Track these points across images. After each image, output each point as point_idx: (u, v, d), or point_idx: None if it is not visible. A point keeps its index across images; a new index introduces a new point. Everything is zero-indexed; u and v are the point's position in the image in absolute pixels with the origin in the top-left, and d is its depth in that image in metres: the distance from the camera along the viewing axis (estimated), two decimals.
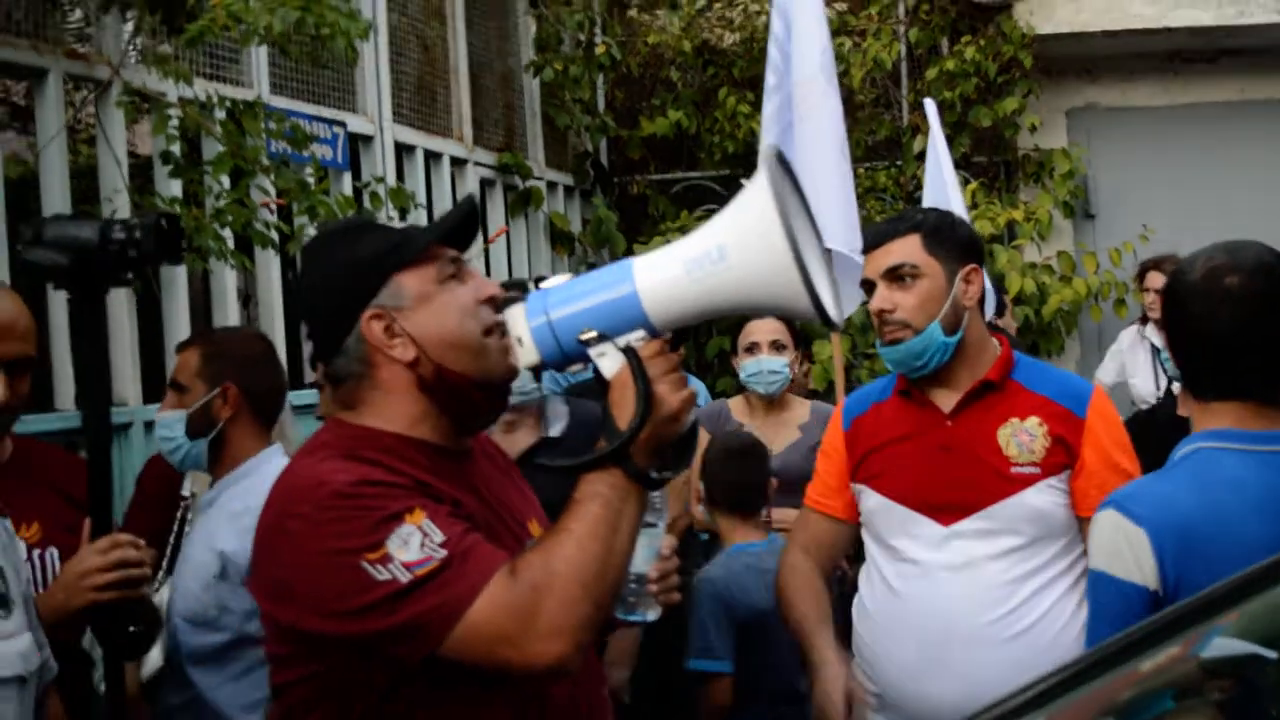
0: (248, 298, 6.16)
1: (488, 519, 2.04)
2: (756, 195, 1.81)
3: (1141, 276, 6.42)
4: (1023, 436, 2.84)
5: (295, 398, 4.25)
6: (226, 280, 5.27)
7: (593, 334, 1.90)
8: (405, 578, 1.82)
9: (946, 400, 2.91)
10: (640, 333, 1.90)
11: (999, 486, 2.81)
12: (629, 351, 1.89)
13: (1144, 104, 8.62)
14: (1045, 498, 2.82)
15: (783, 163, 1.90)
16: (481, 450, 2.21)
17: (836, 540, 3.10)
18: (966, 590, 2.80)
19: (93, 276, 2.62)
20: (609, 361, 1.91)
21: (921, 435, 2.91)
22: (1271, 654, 1.61)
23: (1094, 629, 2.30)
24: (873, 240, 2.95)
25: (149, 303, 5.08)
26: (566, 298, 1.94)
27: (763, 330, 4.65)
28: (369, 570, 1.83)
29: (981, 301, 2.99)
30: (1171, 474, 2.32)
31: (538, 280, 2.00)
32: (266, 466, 3.01)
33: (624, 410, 1.89)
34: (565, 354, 1.93)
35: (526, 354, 1.95)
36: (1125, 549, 2.23)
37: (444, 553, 1.84)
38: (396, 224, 2.19)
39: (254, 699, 2.94)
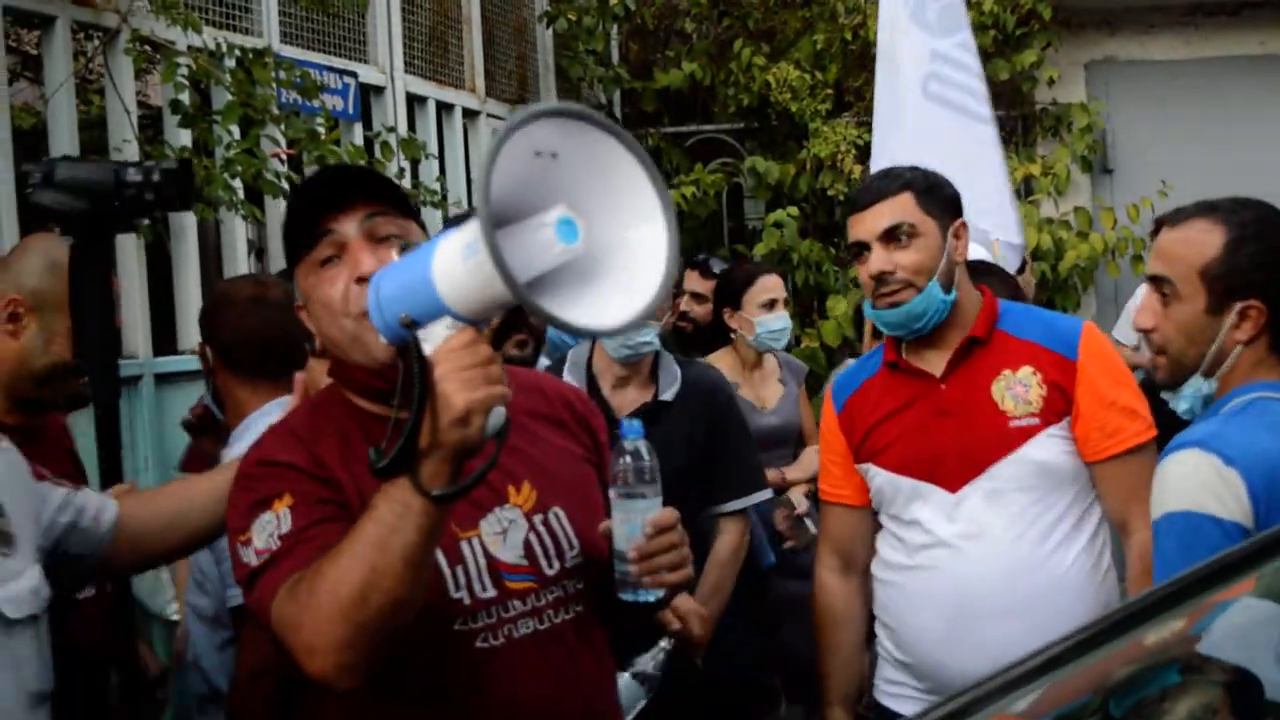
0: (260, 249, 6.14)
1: None
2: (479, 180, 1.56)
3: (1156, 233, 6.33)
4: (1017, 389, 2.80)
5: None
6: (236, 231, 5.24)
7: (409, 319, 1.70)
8: (254, 562, 1.90)
9: (936, 363, 2.87)
10: (448, 320, 1.68)
11: (1000, 443, 2.78)
12: (413, 344, 1.70)
13: (1164, 57, 8.51)
14: (1048, 449, 2.78)
15: (577, 116, 1.63)
16: None
17: (861, 529, 3.06)
18: (983, 560, 2.77)
19: (105, 221, 2.58)
20: (427, 350, 1.70)
21: (916, 404, 2.87)
22: None
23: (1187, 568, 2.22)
24: (864, 201, 2.89)
25: (158, 254, 5.06)
26: (392, 278, 1.75)
27: (776, 286, 4.64)
28: (240, 550, 1.94)
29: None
30: (1241, 420, 2.29)
31: (402, 248, 1.83)
32: (258, 424, 2.89)
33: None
34: (399, 337, 1.74)
35: (380, 335, 1.79)
36: (1220, 488, 2.19)
37: (278, 545, 1.88)
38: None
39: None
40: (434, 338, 1.69)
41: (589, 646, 2.11)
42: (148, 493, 2.54)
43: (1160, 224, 2.49)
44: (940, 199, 2.87)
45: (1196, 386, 2.40)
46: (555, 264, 1.62)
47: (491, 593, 1.98)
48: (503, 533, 2.01)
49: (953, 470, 2.81)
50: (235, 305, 3.04)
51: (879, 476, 2.91)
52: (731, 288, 4.67)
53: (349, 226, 1.98)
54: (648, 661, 2.74)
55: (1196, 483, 2.22)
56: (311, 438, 2.01)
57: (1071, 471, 2.80)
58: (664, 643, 2.76)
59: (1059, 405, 2.79)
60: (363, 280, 1.91)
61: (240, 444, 2.97)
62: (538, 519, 2.06)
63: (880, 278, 2.82)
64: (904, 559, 2.89)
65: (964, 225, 2.89)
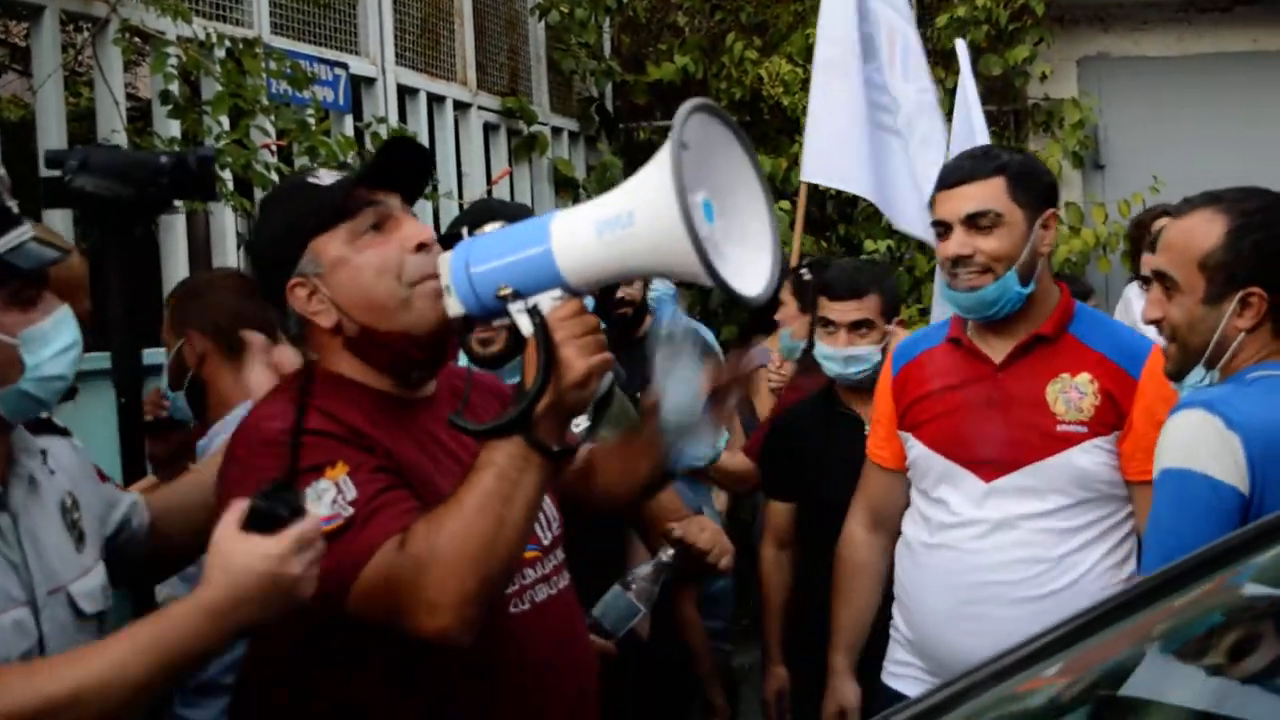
0: (250, 241, 6.12)
1: (427, 470, 2.00)
2: (660, 159, 1.72)
3: (1142, 232, 6.29)
4: (1072, 394, 2.78)
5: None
6: (226, 222, 5.22)
7: (509, 290, 1.83)
8: None
9: (998, 350, 2.85)
10: (556, 292, 1.82)
11: (1043, 444, 2.77)
12: (534, 312, 1.81)
13: (1156, 54, 8.52)
14: (1091, 458, 2.76)
15: (711, 112, 1.81)
16: (451, 389, 2.18)
17: (895, 492, 3.07)
18: (1003, 547, 2.78)
19: (138, 208, 2.57)
20: (525, 320, 1.84)
21: (968, 386, 2.87)
22: None
23: (1179, 527, 2.23)
24: (953, 179, 2.85)
25: (147, 245, 5.03)
26: (487, 251, 1.87)
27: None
28: None
29: None
30: (1248, 390, 2.30)
31: (471, 227, 1.95)
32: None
33: (532, 373, 1.82)
34: (485, 308, 1.87)
35: (452, 304, 1.90)
36: (1220, 449, 2.21)
37: (351, 512, 1.85)
38: (330, 177, 2.12)
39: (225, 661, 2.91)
40: (540, 308, 1.82)
41: (576, 605, 2.25)
42: (166, 492, 2.48)
43: (1155, 215, 2.53)
44: (1033, 188, 2.82)
45: (1199, 376, 2.42)
46: (703, 238, 1.73)
47: (524, 552, 2.03)
48: None
49: (990, 460, 2.81)
50: (226, 289, 3.03)
51: (915, 448, 2.94)
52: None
53: (391, 201, 2.04)
54: (641, 571, 2.74)
55: (1197, 441, 2.24)
56: (334, 410, 1.97)
57: (1108, 484, 2.79)
58: (663, 555, 2.75)
59: (1110, 418, 2.77)
60: (422, 248, 1.98)
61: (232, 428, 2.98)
62: None
63: (958, 260, 2.79)
64: (925, 537, 2.91)
65: (1054, 216, 2.85)
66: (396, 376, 2.06)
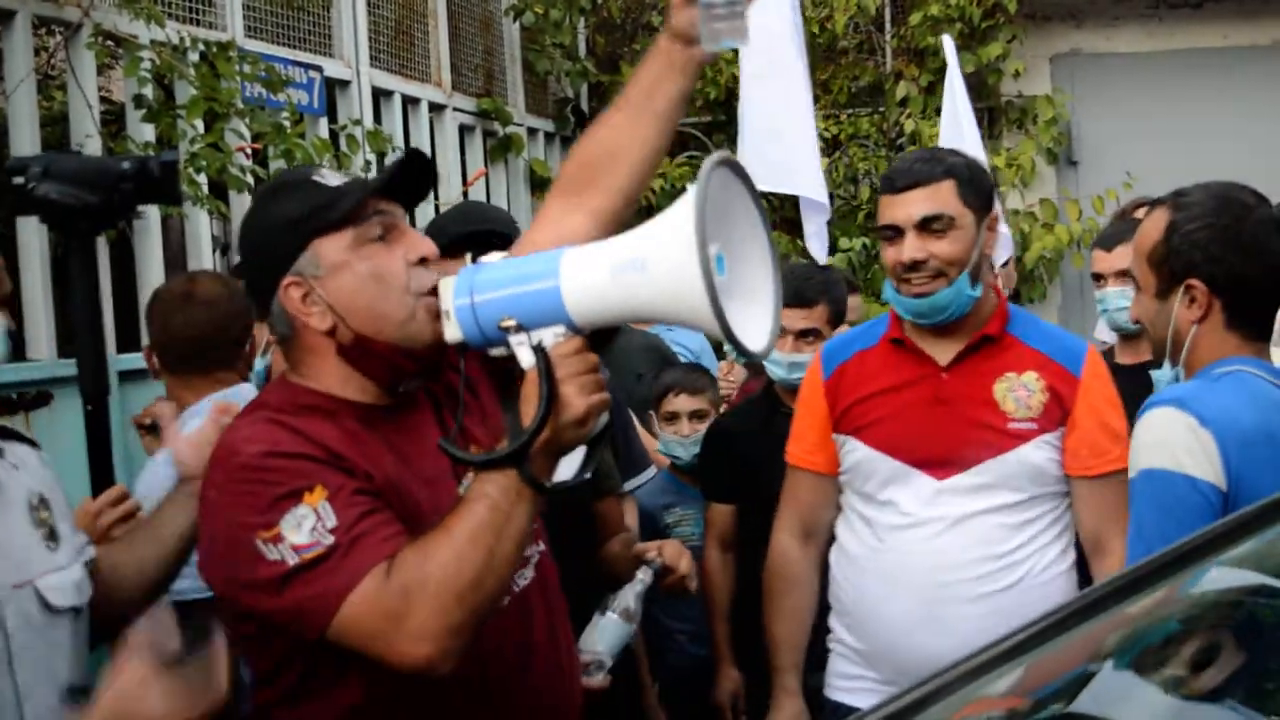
0: (225, 245, 6.10)
1: (405, 482, 1.98)
2: (682, 217, 1.72)
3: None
4: (1020, 392, 2.80)
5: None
6: (201, 226, 5.21)
7: (512, 323, 1.84)
8: (292, 560, 1.83)
9: (943, 352, 2.85)
10: (560, 328, 1.83)
11: (996, 442, 2.78)
12: (539, 350, 1.82)
13: (1128, 50, 8.56)
14: (1041, 454, 2.79)
15: (733, 168, 1.82)
16: (442, 392, 2.16)
17: (826, 500, 3.02)
18: (961, 545, 2.77)
19: (102, 214, 2.55)
20: (525, 354, 1.84)
21: (914, 386, 2.85)
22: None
23: (1166, 529, 2.21)
24: (902, 183, 2.80)
25: (122, 249, 5.02)
26: (493, 281, 1.87)
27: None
28: (261, 548, 1.85)
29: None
30: (1216, 386, 2.33)
31: (474, 255, 1.95)
32: (189, 423, 2.89)
33: (530, 408, 1.82)
34: (486, 337, 1.87)
35: (450, 330, 1.90)
36: (1195, 446, 2.23)
37: (331, 540, 1.83)
38: (336, 178, 2.09)
39: None
40: (543, 344, 1.83)
41: (552, 576, 2.23)
42: (119, 547, 2.45)
43: (1130, 206, 2.59)
44: (981, 189, 2.82)
45: (1166, 371, 2.47)
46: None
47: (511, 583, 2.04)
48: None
49: (942, 459, 2.79)
50: (164, 304, 3.04)
51: (859, 451, 2.87)
52: None
53: (396, 211, 2.03)
54: (628, 596, 2.80)
55: (1172, 440, 2.26)
56: (309, 430, 1.94)
57: (1055, 479, 2.81)
58: (642, 574, 2.80)
59: (1056, 415, 2.79)
60: (424, 262, 1.98)
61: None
62: None
63: (913, 265, 2.76)
64: (873, 543, 2.86)
65: (997, 219, 2.86)
66: (384, 386, 2.04)
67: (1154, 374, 2.51)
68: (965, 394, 2.81)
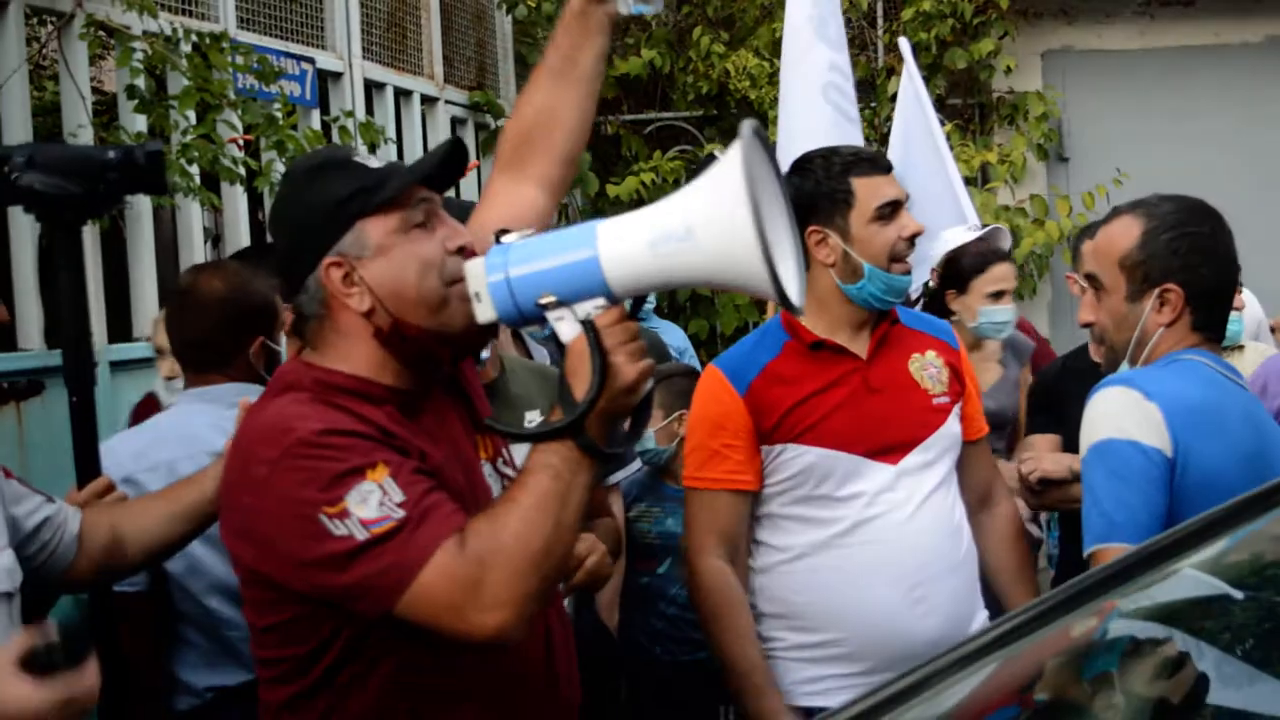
0: (217, 237, 6.10)
1: (448, 467, 2.02)
2: (729, 179, 1.75)
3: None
4: (930, 369, 2.98)
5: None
6: (192, 217, 5.21)
7: (551, 298, 1.85)
8: (361, 535, 1.83)
9: (859, 345, 2.95)
10: (600, 300, 1.86)
11: (930, 418, 2.94)
12: (587, 324, 1.84)
13: (1120, 47, 8.58)
14: (957, 425, 2.99)
15: (759, 137, 1.84)
16: (451, 381, 2.18)
17: (747, 515, 2.97)
18: (929, 523, 2.88)
19: (88, 204, 2.55)
20: (566, 327, 1.87)
21: (844, 382, 2.91)
22: (1239, 593, 1.62)
23: (1121, 494, 2.34)
24: (887, 166, 3.01)
25: (114, 240, 5.02)
26: (527, 256, 1.88)
27: (1007, 275, 4.61)
28: (326, 524, 1.83)
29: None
30: (1164, 372, 2.46)
31: (499, 234, 1.95)
32: (171, 410, 3.03)
33: (580, 381, 1.85)
34: (522, 314, 1.89)
35: (483, 310, 1.90)
36: (1140, 417, 2.36)
37: (402, 514, 1.84)
38: (373, 162, 2.10)
39: None
40: (570, 317, 1.87)
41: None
42: (108, 507, 2.49)
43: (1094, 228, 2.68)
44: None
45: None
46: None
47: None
48: (488, 488, 2.08)
49: (892, 444, 2.90)
50: (170, 302, 3.06)
51: (808, 454, 2.87)
52: (961, 271, 4.55)
53: (435, 201, 2.06)
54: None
55: (1120, 413, 2.39)
56: (360, 411, 1.95)
57: (959, 448, 3.02)
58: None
59: (957, 387, 3.01)
60: (461, 251, 2.00)
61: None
62: (501, 464, 2.19)
63: (911, 240, 2.93)
64: (839, 539, 2.88)
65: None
66: (416, 371, 2.05)
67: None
68: (890, 380, 2.94)
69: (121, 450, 2.78)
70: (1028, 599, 2.80)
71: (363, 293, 1.98)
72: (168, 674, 2.90)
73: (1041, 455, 3.39)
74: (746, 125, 1.80)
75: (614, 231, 1.85)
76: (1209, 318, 2.53)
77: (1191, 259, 2.48)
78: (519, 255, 1.88)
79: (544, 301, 1.86)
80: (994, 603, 3.09)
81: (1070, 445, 3.26)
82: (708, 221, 1.77)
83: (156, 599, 2.84)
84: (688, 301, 7.78)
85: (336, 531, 1.83)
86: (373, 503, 1.83)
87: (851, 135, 5.19)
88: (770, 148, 1.88)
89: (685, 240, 1.79)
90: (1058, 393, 3.82)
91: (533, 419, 3.06)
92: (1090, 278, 2.61)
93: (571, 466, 1.86)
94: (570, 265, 1.85)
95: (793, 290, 1.83)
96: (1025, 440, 3.86)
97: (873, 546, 2.86)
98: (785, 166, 2.96)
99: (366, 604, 1.85)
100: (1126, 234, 2.53)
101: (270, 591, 1.96)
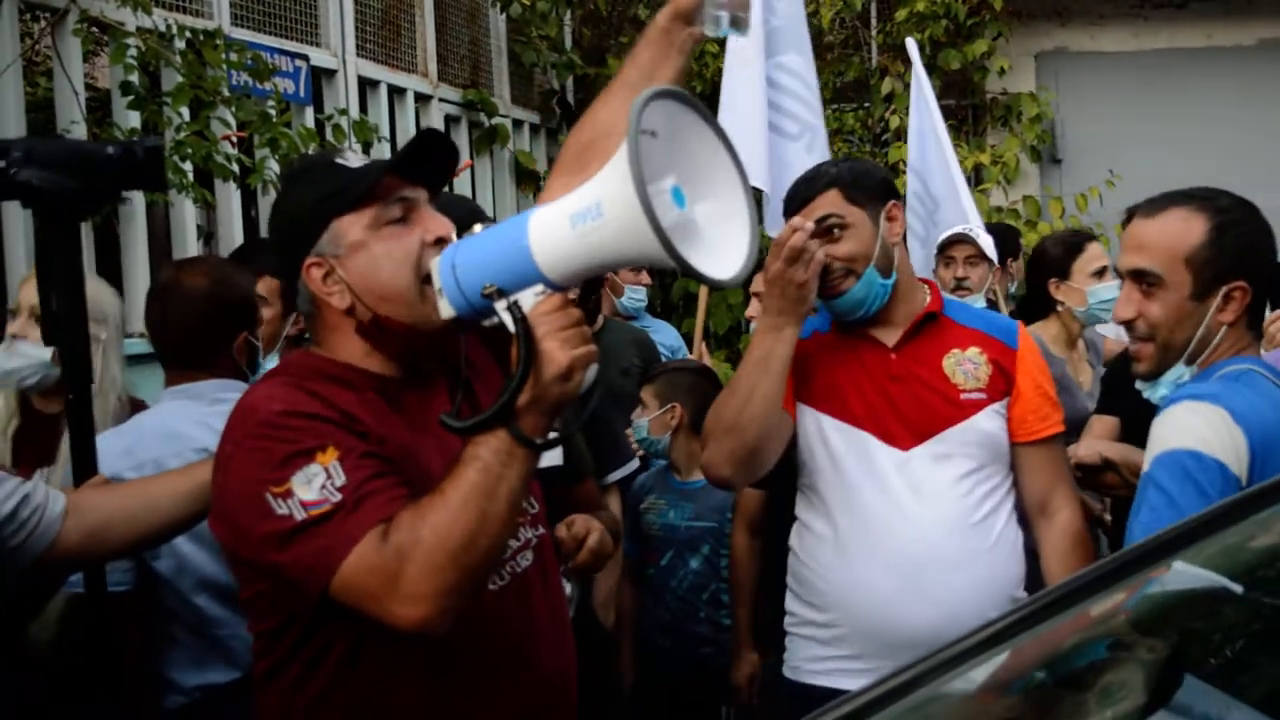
0: (210, 233, 6.09)
1: (422, 453, 2.01)
2: (622, 148, 1.71)
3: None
4: (967, 365, 2.95)
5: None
6: (186, 214, 5.20)
7: (493, 288, 1.83)
8: (300, 516, 1.85)
9: (889, 337, 2.97)
10: (539, 287, 1.82)
11: (951, 412, 2.91)
12: (514, 307, 1.82)
13: (1113, 49, 8.61)
14: (993, 422, 2.93)
15: (678, 99, 1.81)
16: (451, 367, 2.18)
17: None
18: (932, 514, 2.86)
19: (85, 199, 2.53)
20: (509, 317, 1.84)
21: (867, 365, 2.95)
22: (1238, 587, 1.62)
23: (1194, 506, 2.19)
24: (794, 205, 2.98)
25: (107, 236, 5.01)
26: (471, 248, 1.88)
27: (1102, 253, 4.45)
28: (271, 503, 1.87)
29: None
30: (1239, 386, 2.35)
31: (464, 230, 1.96)
32: (153, 409, 2.99)
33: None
34: (472, 306, 1.87)
35: (444, 307, 1.90)
36: (1229, 440, 2.25)
37: (339, 497, 1.85)
38: (358, 160, 2.12)
39: None
40: (523, 304, 1.82)
41: (552, 561, 2.28)
42: (112, 485, 2.50)
43: (1132, 214, 2.54)
44: (867, 186, 2.95)
45: (1179, 374, 2.45)
46: (669, 225, 1.73)
47: (508, 543, 2.06)
48: None
49: (904, 430, 2.90)
50: (151, 295, 3.03)
51: (825, 421, 2.95)
52: (1056, 258, 4.41)
53: (419, 194, 2.05)
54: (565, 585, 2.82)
55: (1208, 430, 2.26)
56: (329, 395, 1.97)
57: (1003, 450, 2.95)
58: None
59: (1001, 385, 2.95)
60: (440, 242, 1.99)
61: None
62: None
63: (825, 269, 2.89)
64: (840, 520, 2.92)
65: (897, 207, 2.98)
66: (402, 365, 2.08)
67: (1161, 381, 2.49)
68: (915, 371, 2.94)
69: (108, 449, 2.77)
70: None
71: (342, 290, 2.03)
72: (156, 673, 2.90)
73: (1080, 442, 3.33)
74: (644, 93, 1.75)
75: (543, 216, 1.82)
76: (1257, 316, 2.45)
77: (1256, 256, 2.40)
78: (466, 248, 1.89)
79: (487, 292, 1.84)
80: None
81: (1128, 429, 3.23)
82: (610, 195, 1.73)
83: (144, 597, 2.84)
84: (681, 301, 7.78)
85: (279, 511, 1.86)
86: (315, 485, 1.86)
87: (809, 149, 5.13)
88: (698, 105, 1.84)
89: (599, 217, 1.74)
90: (1125, 378, 3.70)
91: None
92: (1140, 273, 2.44)
93: (501, 458, 1.83)
94: (505, 253, 1.83)
95: (726, 261, 1.79)
96: (1088, 421, 3.80)
97: (868, 531, 2.89)
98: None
99: (304, 584, 1.87)
100: (1190, 228, 2.39)
101: (242, 568, 2.01)
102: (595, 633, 3.39)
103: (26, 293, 3.26)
